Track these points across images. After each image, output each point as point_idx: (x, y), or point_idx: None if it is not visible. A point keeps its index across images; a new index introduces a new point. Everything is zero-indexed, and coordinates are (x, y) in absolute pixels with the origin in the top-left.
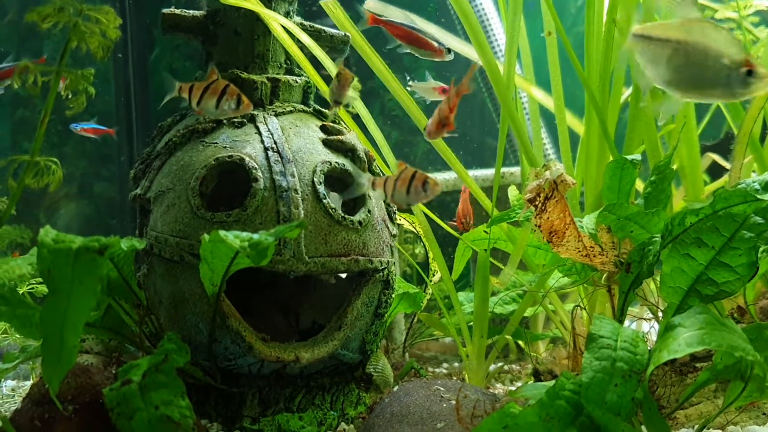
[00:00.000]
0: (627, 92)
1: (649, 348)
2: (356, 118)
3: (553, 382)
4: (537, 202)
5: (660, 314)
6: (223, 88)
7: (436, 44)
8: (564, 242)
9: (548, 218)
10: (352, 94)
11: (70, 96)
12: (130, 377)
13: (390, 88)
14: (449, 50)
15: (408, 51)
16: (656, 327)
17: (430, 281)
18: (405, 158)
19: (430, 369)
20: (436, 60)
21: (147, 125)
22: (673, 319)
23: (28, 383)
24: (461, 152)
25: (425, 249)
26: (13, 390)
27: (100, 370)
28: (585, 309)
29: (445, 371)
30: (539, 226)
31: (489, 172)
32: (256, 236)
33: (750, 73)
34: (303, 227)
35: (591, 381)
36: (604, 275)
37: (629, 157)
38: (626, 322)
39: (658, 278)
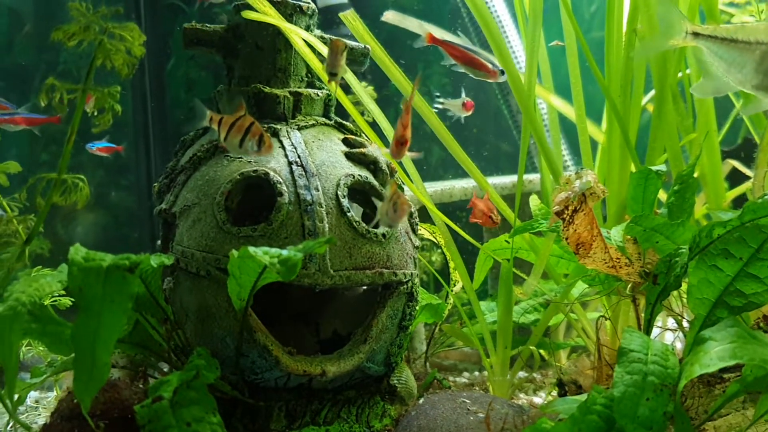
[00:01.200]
0: (645, 99)
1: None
2: (374, 125)
3: (583, 396)
4: (565, 215)
5: (685, 324)
6: (248, 126)
7: (490, 66)
8: (591, 254)
9: (575, 230)
10: (366, 98)
11: (96, 114)
12: (161, 394)
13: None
14: (503, 72)
15: (460, 69)
16: (680, 336)
17: (452, 291)
18: (420, 165)
19: (451, 378)
20: (489, 80)
21: (164, 135)
22: (703, 332)
23: (52, 394)
24: (477, 159)
25: (444, 257)
26: (36, 402)
27: (127, 385)
28: (609, 319)
29: (466, 380)
30: (566, 238)
31: (506, 179)
32: (285, 252)
33: None
34: (332, 243)
35: (623, 395)
36: (629, 285)
37: (654, 167)
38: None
39: (683, 288)
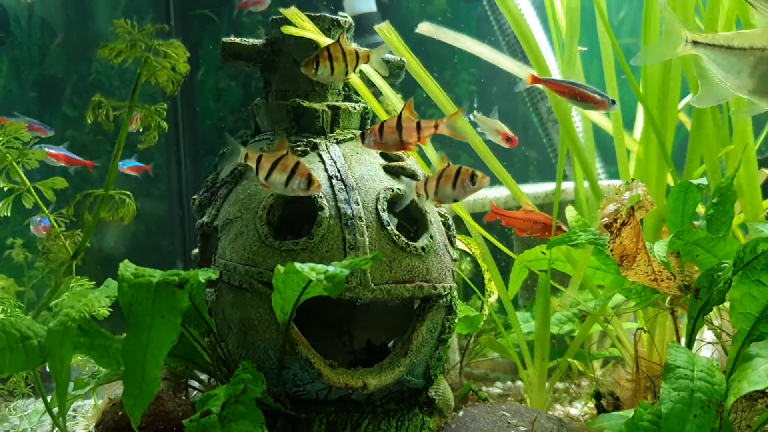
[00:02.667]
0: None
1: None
2: None
3: (627, 412)
4: (613, 228)
5: (725, 337)
6: (293, 166)
7: (599, 96)
8: (634, 266)
9: (621, 243)
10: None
11: (141, 130)
12: (209, 408)
13: (445, 111)
14: (613, 101)
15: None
16: (718, 347)
17: (487, 301)
18: None
19: (484, 388)
20: (600, 111)
21: (194, 144)
22: (750, 348)
23: (89, 402)
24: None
25: (473, 265)
26: (74, 411)
27: (171, 397)
28: (648, 331)
29: (499, 390)
30: (612, 250)
31: (538, 188)
32: (331, 268)
33: None
34: (377, 259)
35: (670, 412)
36: (668, 298)
37: (695, 181)
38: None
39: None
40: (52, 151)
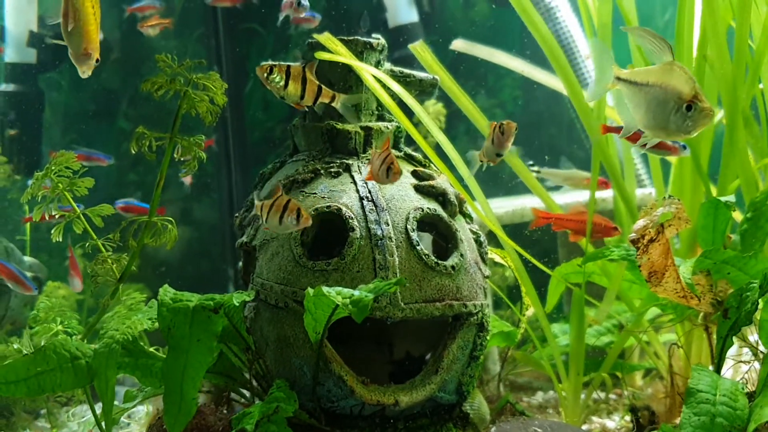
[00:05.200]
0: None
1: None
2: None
3: None
4: (640, 244)
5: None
6: (285, 204)
7: (670, 143)
8: (663, 283)
9: (649, 259)
10: (433, 127)
11: (182, 159)
12: (244, 426)
13: (477, 125)
14: (684, 147)
15: None
16: (756, 366)
17: (524, 315)
18: (492, 178)
19: (525, 399)
20: (672, 156)
21: (243, 155)
22: None
23: (142, 408)
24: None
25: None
26: (129, 417)
27: (212, 411)
28: (682, 347)
29: (540, 401)
30: (640, 266)
31: (579, 197)
32: (356, 293)
33: (689, 107)
34: (401, 284)
35: None
36: (701, 314)
37: (723, 198)
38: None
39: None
40: (134, 204)
